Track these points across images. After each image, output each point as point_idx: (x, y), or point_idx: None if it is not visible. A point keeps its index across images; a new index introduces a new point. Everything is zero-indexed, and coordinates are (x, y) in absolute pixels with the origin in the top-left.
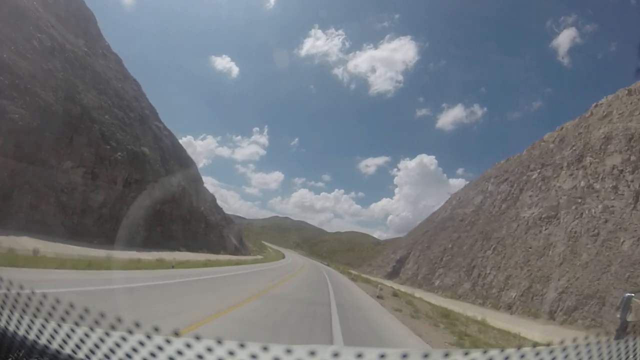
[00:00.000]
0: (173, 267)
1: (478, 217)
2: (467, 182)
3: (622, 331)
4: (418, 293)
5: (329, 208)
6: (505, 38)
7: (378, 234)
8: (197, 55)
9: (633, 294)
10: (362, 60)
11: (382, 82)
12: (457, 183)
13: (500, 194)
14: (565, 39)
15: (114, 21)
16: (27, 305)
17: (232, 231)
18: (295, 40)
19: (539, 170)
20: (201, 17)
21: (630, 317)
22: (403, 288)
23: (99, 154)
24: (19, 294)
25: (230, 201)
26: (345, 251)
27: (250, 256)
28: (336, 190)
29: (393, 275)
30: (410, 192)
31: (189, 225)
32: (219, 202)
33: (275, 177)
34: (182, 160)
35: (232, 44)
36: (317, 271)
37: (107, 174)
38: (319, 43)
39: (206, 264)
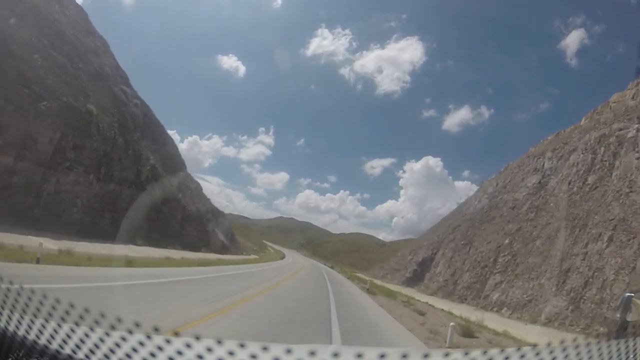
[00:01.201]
0: (39, 260)
1: (544, 200)
2: (502, 170)
3: (622, 331)
4: (468, 312)
5: (334, 209)
6: (513, 39)
7: (383, 236)
8: (203, 55)
9: (633, 294)
10: (368, 60)
11: (389, 82)
12: (463, 185)
13: (576, 166)
14: (573, 40)
15: (122, 22)
16: (27, 305)
17: (220, 226)
18: (302, 39)
19: (636, 126)
20: (208, 17)
21: (630, 317)
22: (440, 303)
23: (8, 97)
24: (19, 294)
25: (236, 201)
26: (349, 252)
27: (242, 255)
28: (341, 191)
29: (414, 281)
30: (415, 194)
31: (157, 214)
32: (224, 200)
33: (280, 178)
34: (157, 135)
35: (239, 43)
36: (318, 277)
37: (20, 126)
38: (326, 42)
39: (131, 262)
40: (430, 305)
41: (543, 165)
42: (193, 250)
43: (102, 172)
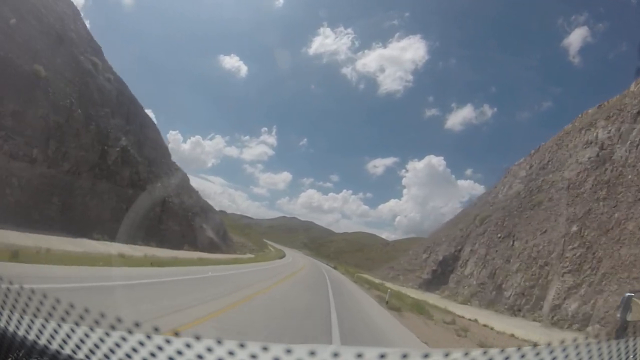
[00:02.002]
0: None
1: (617, 172)
2: (532, 152)
3: (622, 331)
4: (536, 331)
5: (336, 209)
6: (516, 37)
7: (386, 235)
8: (205, 55)
9: (633, 294)
10: (371, 59)
11: (392, 81)
12: (466, 184)
13: None
14: (576, 38)
15: (125, 24)
16: (27, 305)
17: (209, 222)
18: (304, 38)
19: None
20: (209, 17)
21: (630, 317)
22: (481, 314)
23: None
24: (19, 294)
25: (238, 201)
26: (353, 252)
27: (234, 255)
28: (344, 190)
29: (434, 284)
30: (418, 193)
31: (128, 204)
32: (227, 200)
33: (283, 178)
34: (133, 116)
35: (241, 43)
36: (317, 280)
37: None
38: (328, 41)
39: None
40: (487, 326)
41: (596, 136)
42: (174, 247)
43: (52, 147)
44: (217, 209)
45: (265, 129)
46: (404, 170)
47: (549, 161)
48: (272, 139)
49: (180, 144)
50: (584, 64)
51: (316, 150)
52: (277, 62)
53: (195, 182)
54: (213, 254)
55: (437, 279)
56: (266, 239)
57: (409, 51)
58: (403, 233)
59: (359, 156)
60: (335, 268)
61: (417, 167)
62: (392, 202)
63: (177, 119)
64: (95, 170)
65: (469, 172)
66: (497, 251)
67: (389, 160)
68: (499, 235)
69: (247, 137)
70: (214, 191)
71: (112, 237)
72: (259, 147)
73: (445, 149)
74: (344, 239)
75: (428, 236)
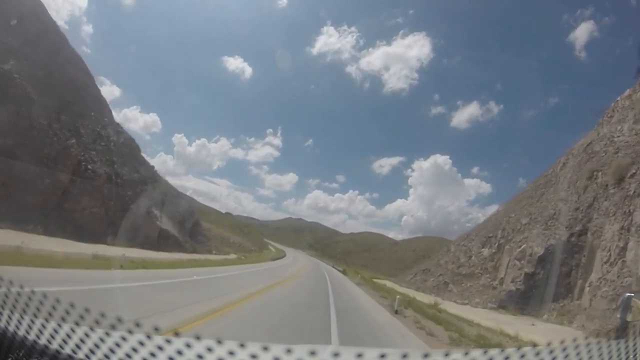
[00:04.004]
0: None
1: None
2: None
3: (622, 331)
4: None
5: (343, 209)
6: (521, 33)
7: (393, 235)
8: (208, 57)
9: (633, 294)
10: (375, 58)
11: (397, 80)
12: (472, 183)
13: None
14: (582, 32)
15: (128, 27)
16: (27, 305)
17: (167, 209)
18: (307, 38)
19: None
20: (213, 19)
21: (630, 317)
22: None
23: None
24: (19, 294)
25: (244, 203)
26: (360, 252)
27: (202, 255)
28: (350, 191)
29: (531, 300)
30: (424, 193)
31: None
32: (233, 202)
33: (289, 179)
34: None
35: (244, 44)
36: (306, 316)
37: None
38: (332, 40)
39: None
40: None
41: None
42: (90, 239)
43: None
44: (223, 211)
45: (270, 130)
46: (410, 170)
47: None
48: (277, 140)
49: (185, 147)
50: (590, 59)
51: (322, 150)
52: (281, 62)
53: (201, 184)
54: (167, 252)
55: (537, 290)
56: (272, 240)
57: (413, 49)
58: (410, 233)
59: (364, 156)
60: (344, 273)
61: (423, 167)
62: (399, 202)
63: (182, 122)
64: None
65: (475, 170)
66: None
67: (395, 160)
68: None
69: (252, 139)
70: (220, 193)
71: None
72: (265, 148)
73: (451, 147)
74: (351, 239)
75: (487, 219)
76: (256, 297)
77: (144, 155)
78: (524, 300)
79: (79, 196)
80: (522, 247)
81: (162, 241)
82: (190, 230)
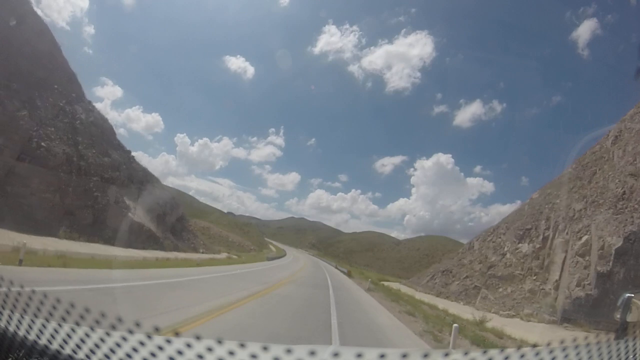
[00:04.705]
0: None
1: None
2: None
3: (622, 331)
4: None
5: (345, 209)
6: (523, 31)
7: (395, 234)
8: (211, 57)
9: (633, 294)
10: (377, 56)
11: (399, 79)
12: (475, 182)
13: None
14: (585, 30)
15: (130, 28)
16: (27, 305)
17: (144, 199)
18: (309, 37)
19: None
20: (215, 18)
21: (630, 317)
22: None
23: None
24: (19, 294)
25: (247, 203)
26: (363, 252)
27: (181, 253)
28: (353, 190)
29: (607, 315)
30: (427, 192)
31: None
32: (235, 202)
33: (291, 178)
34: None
35: (246, 44)
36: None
37: None
38: (334, 39)
39: None
40: None
41: None
42: (38, 230)
43: None
44: (225, 210)
45: (273, 129)
46: (412, 169)
47: None
48: (279, 140)
49: (188, 147)
50: (594, 57)
51: (324, 150)
52: (282, 62)
53: (203, 184)
54: (139, 250)
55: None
56: (274, 240)
57: (416, 47)
58: (413, 232)
59: (367, 155)
60: (349, 275)
61: (425, 166)
62: (401, 201)
63: (185, 122)
64: None
65: (477, 169)
66: None
67: (397, 159)
68: None
69: (254, 139)
70: (223, 193)
71: None
72: (267, 148)
73: (454, 146)
74: (353, 239)
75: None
76: (238, 307)
77: (118, 139)
78: (597, 309)
79: (27, 178)
80: (584, 238)
81: (134, 236)
82: (173, 226)
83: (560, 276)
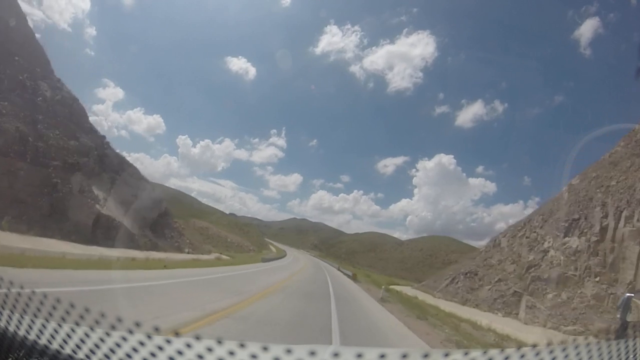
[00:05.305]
0: None
1: None
2: None
3: (622, 331)
4: None
5: (347, 209)
6: (525, 30)
7: (398, 235)
8: (212, 58)
9: (633, 294)
10: (379, 57)
11: (401, 79)
12: (477, 182)
13: None
14: (587, 29)
15: (132, 29)
16: (27, 305)
17: (119, 191)
18: (311, 38)
19: None
20: (216, 19)
21: (630, 317)
22: None
23: None
24: (19, 294)
25: (249, 204)
26: (365, 252)
27: (170, 254)
28: (355, 191)
29: None
30: (429, 193)
31: None
32: (237, 203)
33: (293, 179)
34: None
35: (248, 45)
36: None
37: None
38: (335, 39)
39: None
40: None
41: None
42: None
43: None
44: (227, 212)
45: (275, 130)
46: (414, 170)
47: None
48: (281, 141)
49: (190, 148)
50: (596, 56)
51: (326, 150)
52: (284, 62)
53: (205, 186)
54: (105, 247)
55: None
56: (276, 241)
57: (417, 47)
58: (415, 233)
59: (369, 156)
60: (354, 278)
61: (427, 166)
62: (403, 202)
63: (186, 123)
64: None
65: (480, 169)
66: None
67: (399, 160)
68: None
69: (256, 140)
70: (225, 195)
71: None
72: (269, 149)
73: (456, 146)
74: (356, 240)
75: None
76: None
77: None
78: None
79: None
80: None
81: (101, 232)
82: (154, 223)
83: (635, 275)
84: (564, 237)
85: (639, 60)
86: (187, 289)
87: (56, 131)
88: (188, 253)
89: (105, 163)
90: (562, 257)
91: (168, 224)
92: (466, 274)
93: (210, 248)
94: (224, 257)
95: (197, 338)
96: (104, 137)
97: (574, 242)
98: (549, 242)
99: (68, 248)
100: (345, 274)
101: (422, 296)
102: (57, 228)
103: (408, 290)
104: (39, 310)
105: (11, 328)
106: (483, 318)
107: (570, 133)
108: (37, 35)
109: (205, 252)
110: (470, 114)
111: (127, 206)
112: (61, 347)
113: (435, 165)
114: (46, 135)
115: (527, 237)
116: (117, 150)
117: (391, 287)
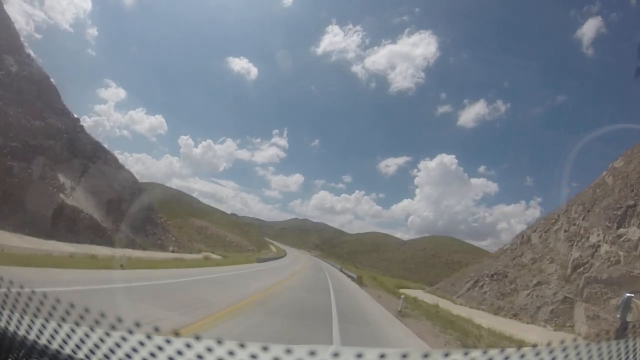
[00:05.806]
0: None
1: None
2: None
3: (622, 331)
4: None
5: (349, 209)
6: (528, 30)
7: (400, 235)
8: (214, 58)
9: (633, 294)
10: (381, 56)
11: (403, 79)
12: (479, 182)
13: None
14: (589, 28)
15: (133, 29)
16: (27, 305)
17: (91, 180)
18: (312, 37)
19: None
20: (217, 19)
21: (630, 317)
22: None
23: None
24: (19, 294)
25: (251, 204)
26: (367, 252)
27: (151, 253)
28: (357, 191)
29: None
30: (431, 193)
31: None
32: (239, 204)
33: (295, 180)
34: None
35: (249, 45)
36: None
37: None
38: (337, 39)
39: None
40: None
41: None
42: None
43: None
44: (229, 212)
45: (277, 131)
46: (416, 170)
47: None
48: (283, 141)
49: (191, 149)
50: (598, 56)
51: (328, 151)
52: (286, 63)
53: (207, 186)
54: (60, 242)
55: None
56: (278, 241)
57: (419, 47)
58: (417, 233)
59: (371, 156)
60: (359, 282)
61: (429, 166)
62: (405, 202)
63: (188, 124)
64: None
65: (481, 169)
66: None
67: (401, 160)
68: None
69: (258, 140)
70: (226, 195)
71: None
72: (270, 149)
73: (458, 146)
74: (357, 240)
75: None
76: None
77: (65, 103)
78: None
79: None
80: None
81: (65, 225)
82: (134, 218)
83: None
84: (618, 228)
85: (639, 60)
86: (111, 299)
87: (18, 109)
88: (172, 252)
89: (77, 148)
90: (620, 253)
91: (151, 220)
92: (492, 275)
93: (200, 247)
94: (213, 256)
95: (197, 338)
96: (77, 119)
97: (634, 232)
98: (598, 235)
99: (17, 242)
100: (349, 276)
101: (442, 303)
102: (8, 219)
103: (421, 295)
104: (38, 310)
105: (11, 328)
106: (532, 333)
107: (572, 133)
108: (38, 36)
109: (194, 251)
110: (472, 113)
111: (100, 197)
112: (61, 347)
113: (437, 165)
114: (4, 112)
115: (565, 231)
116: (92, 136)
117: (401, 290)
